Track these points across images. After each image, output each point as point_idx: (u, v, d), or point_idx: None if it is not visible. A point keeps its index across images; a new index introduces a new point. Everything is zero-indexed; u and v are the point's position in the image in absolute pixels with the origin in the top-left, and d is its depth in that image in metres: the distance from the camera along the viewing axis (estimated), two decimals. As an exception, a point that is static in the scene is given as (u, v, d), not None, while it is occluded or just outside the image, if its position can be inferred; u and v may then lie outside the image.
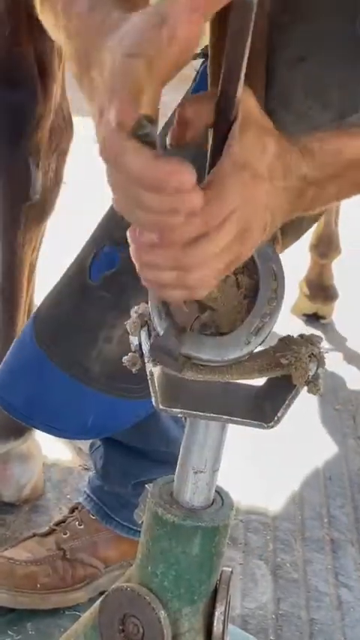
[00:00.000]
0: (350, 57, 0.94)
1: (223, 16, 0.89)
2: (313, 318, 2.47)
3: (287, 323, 2.34)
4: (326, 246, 2.43)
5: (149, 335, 0.77)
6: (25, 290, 1.49)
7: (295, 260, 2.48)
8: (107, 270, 1.06)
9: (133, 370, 0.79)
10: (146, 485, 0.91)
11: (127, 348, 1.04)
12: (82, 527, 1.37)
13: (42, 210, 1.45)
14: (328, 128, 0.94)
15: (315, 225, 2.46)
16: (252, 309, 0.77)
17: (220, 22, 0.89)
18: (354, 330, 2.48)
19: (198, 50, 1.10)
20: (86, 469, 1.67)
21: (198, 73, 1.08)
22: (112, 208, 1.10)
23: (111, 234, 1.07)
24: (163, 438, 1.28)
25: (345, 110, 0.95)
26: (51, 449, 1.72)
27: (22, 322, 1.49)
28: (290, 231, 1.01)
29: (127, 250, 1.06)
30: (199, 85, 1.02)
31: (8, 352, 1.20)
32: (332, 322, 2.50)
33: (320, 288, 2.45)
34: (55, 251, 1.82)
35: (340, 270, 2.51)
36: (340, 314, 2.54)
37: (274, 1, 0.94)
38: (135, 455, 1.30)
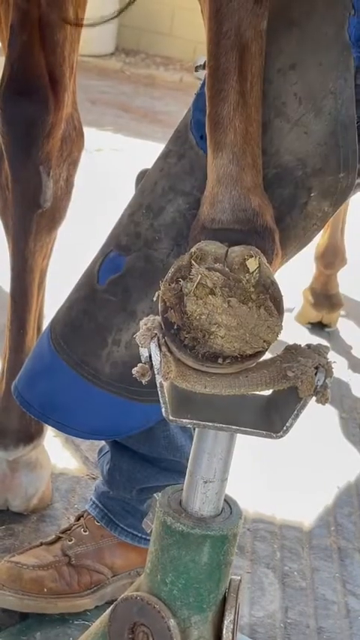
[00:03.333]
0: (342, 64, 0.96)
1: (218, 34, 0.90)
2: (318, 327, 2.47)
3: (292, 331, 2.35)
4: (332, 257, 2.44)
5: (159, 347, 0.78)
6: (36, 296, 1.51)
7: (300, 269, 2.49)
8: (113, 275, 1.08)
9: (143, 381, 0.80)
10: (155, 495, 0.92)
11: (135, 351, 1.06)
12: (86, 533, 1.39)
13: (53, 218, 1.47)
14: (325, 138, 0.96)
15: (320, 236, 2.48)
16: None
17: (217, 41, 0.90)
18: (359, 338, 2.49)
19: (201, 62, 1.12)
20: (93, 478, 1.67)
21: (202, 82, 1.09)
22: (121, 215, 1.12)
23: (118, 240, 1.09)
24: (170, 445, 1.29)
25: (339, 117, 0.96)
26: (58, 458, 1.72)
27: (33, 327, 1.51)
28: (292, 242, 1.02)
29: (132, 255, 1.08)
30: (201, 91, 1.03)
31: (30, 354, 1.24)
32: (337, 330, 2.51)
33: (325, 297, 2.45)
34: (63, 259, 1.83)
35: (344, 279, 2.52)
36: (344, 322, 2.54)
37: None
38: (141, 461, 1.31)
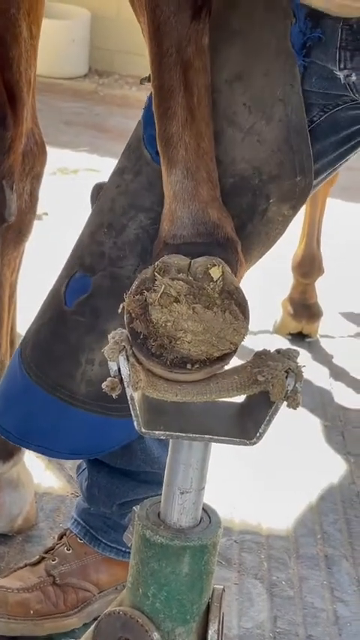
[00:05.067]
0: (288, 72, 0.97)
1: (159, 52, 0.91)
2: (298, 337, 2.49)
3: (273, 342, 2.36)
4: (309, 267, 2.46)
5: (127, 358, 0.79)
6: (7, 310, 1.51)
7: (278, 280, 2.50)
8: (80, 296, 1.08)
9: (114, 395, 0.80)
10: (134, 508, 0.93)
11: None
12: (70, 551, 1.39)
13: (19, 232, 1.48)
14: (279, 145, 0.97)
15: (297, 246, 2.50)
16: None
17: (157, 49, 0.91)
18: (340, 347, 2.50)
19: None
20: (78, 497, 1.67)
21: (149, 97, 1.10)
22: (81, 235, 1.12)
23: (82, 261, 1.09)
24: (146, 457, 1.29)
25: (290, 123, 0.98)
26: (42, 478, 1.72)
27: (6, 341, 1.51)
28: (256, 247, 1.03)
29: (98, 275, 1.08)
30: (150, 105, 1.04)
31: (2, 379, 1.24)
32: (318, 340, 2.52)
33: (304, 307, 2.47)
34: (38, 280, 1.83)
35: (323, 288, 2.54)
36: (325, 331, 2.56)
37: (210, 21, 0.96)
38: (119, 475, 1.31)
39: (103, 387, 0.80)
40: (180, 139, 0.89)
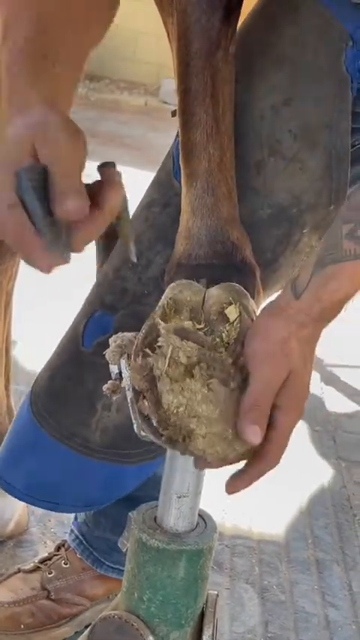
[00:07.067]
0: (339, 97, 0.92)
1: (188, 54, 0.88)
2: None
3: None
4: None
5: (128, 362, 0.78)
6: (3, 318, 1.51)
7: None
8: (100, 336, 1.02)
9: (113, 398, 0.80)
10: (129, 513, 0.92)
11: (125, 414, 0.98)
12: (67, 566, 1.36)
13: None
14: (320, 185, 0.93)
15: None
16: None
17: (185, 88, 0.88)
18: (329, 352, 2.51)
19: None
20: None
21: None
22: (101, 273, 1.04)
23: (102, 299, 1.03)
24: (155, 482, 1.22)
25: (333, 150, 0.93)
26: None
27: (1, 348, 1.50)
28: (283, 280, 0.99)
29: (120, 313, 1.00)
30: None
31: (9, 430, 1.17)
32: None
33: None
34: (31, 284, 1.83)
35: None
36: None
37: (251, 47, 0.92)
38: (127, 504, 1.20)
39: (104, 390, 0.80)
40: (204, 149, 0.84)
